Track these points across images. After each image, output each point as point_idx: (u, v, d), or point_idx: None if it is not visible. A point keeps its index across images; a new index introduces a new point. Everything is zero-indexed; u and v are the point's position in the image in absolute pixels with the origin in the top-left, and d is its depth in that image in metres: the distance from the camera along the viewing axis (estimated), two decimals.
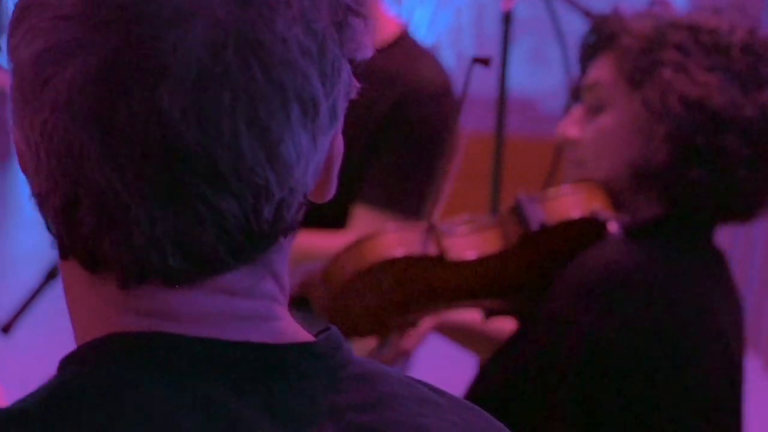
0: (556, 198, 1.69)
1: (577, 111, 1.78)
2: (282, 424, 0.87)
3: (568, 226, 1.68)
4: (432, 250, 1.64)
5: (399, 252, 1.63)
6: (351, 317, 1.70)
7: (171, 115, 0.82)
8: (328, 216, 2.46)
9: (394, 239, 1.64)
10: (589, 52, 1.77)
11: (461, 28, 7.77)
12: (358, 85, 0.94)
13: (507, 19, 2.27)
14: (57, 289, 1.13)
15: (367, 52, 0.93)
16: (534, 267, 1.70)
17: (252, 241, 0.87)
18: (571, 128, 1.77)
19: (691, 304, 1.65)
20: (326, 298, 1.66)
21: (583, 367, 1.60)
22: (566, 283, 1.63)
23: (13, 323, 2.36)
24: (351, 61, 0.91)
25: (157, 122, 0.82)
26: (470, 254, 1.66)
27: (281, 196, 0.88)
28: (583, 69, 1.79)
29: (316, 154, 0.90)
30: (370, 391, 0.91)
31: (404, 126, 2.42)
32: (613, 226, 1.67)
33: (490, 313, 1.77)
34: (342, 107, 0.93)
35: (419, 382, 0.95)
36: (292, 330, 0.92)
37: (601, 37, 1.75)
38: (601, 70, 1.74)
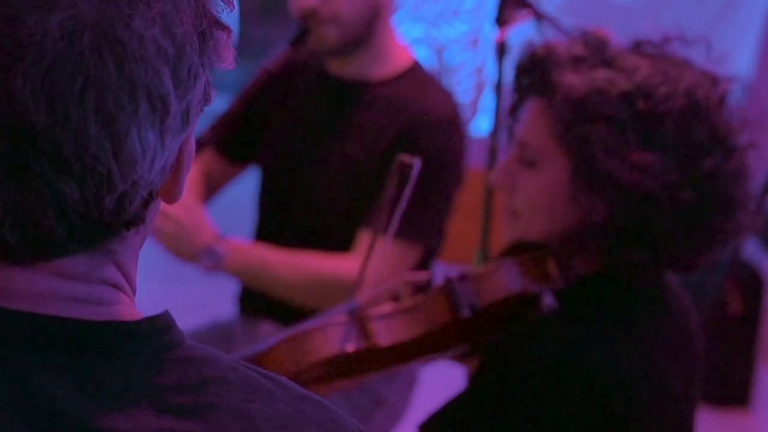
0: (487, 276, 1.66)
1: (511, 159, 1.70)
2: (93, 400, 0.90)
3: (500, 303, 1.65)
4: (360, 343, 1.65)
5: (332, 350, 1.64)
6: None
7: (22, 95, 0.85)
8: (337, 239, 2.53)
9: (326, 337, 1.65)
10: (521, 92, 1.70)
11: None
12: (214, 95, 0.96)
13: (501, 50, 2.31)
14: None
15: (228, 65, 0.95)
16: (462, 334, 1.70)
17: (92, 229, 0.90)
18: (504, 178, 1.70)
19: (637, 377, 1.59)
20: None
21: None
22: (510, 378, 1.57)
23: None
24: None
25: (7, 101, 0.85)
26: (399, 338, 1.65)
27: (124, 188, 0.90)
28: (515, 108, 1.72)
29: (164, 153, 0.92)
30: (193, 374, 0.93)
31: (411, 154, 2.46)
32: (548, 299, 1.64)
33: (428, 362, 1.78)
34: (196, 113, 0.94)
35: (257, 371, 0.97)
36: (128, 314, 0.95)
37: (532, 80, 1.67)
38: (531, 122, 1.66)
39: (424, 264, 2.57)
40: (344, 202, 2.54)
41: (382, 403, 2.61)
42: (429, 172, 2.47)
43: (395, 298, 1.78)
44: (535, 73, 1.66)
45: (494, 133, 2.45)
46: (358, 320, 1.66)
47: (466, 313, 1.63)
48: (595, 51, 1.65)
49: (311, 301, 2.48)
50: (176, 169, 0.95)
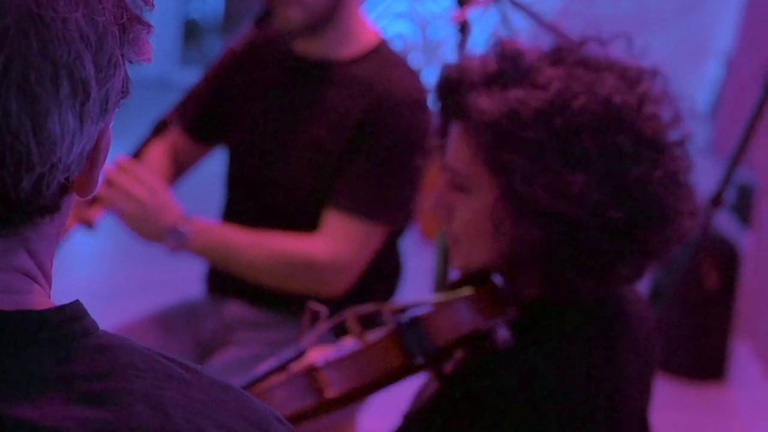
0: (437, 319, 1.62)
1: (443, 185, 1.67)
2: (0, 390, 0.90)
3: (453, 344, 1.63)
4: (314, 398, 1.62)
5: (285, 411, 1.61)
6: None
7: None
8: (304, 220, 2.54)
9: (277, 397, 1.63)
10: (444, 115, 1.66)
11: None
12: (130, 90, 0.98)
13: (462, 30, 2.31)
14: None
15: (147, 60, 0.97)
16: (423, 370, 1.68)
17: (7, 212, 0.91)
18: (437, 209, 1.68)
19: (592, 399, 1.57)
20: None
21: None
22: (472, 417, 1.56)
23: None
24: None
25: None
26: (351, 387, 1.63)
27: (42, 170, 0.91)
28: (441, 130, 1.69)
29: (83, 138, 0.93)
30: (105, 362, 0.93)
31: (376, 133, 2.48)
32: (502, 332, 1.61)
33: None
34: (114, 104, 0.96)
35: (172, 360, 0.97)
36: (39, 303, 0.96)
37: (450, 105, 1.64)
38: (457, 148, 1.62)
39: (390, 245, 2.59)
40: (310, 182, 2.54)
41: None
42: (392, 153, 2.49)
43: (343, 333, 1.75)
44: (451, 96, 1.64)
45: None
46: (308, 374, 1.64)
47: (419, 359, 1.62)
48: (510, 65, 1.60)
49: (277, 281, 2.49)
50: (92, 159, 0.96)
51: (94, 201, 2.47)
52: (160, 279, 4.95)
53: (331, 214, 2.49)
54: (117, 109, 0.97)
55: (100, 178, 0.98)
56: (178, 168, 2.76)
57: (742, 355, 4.51)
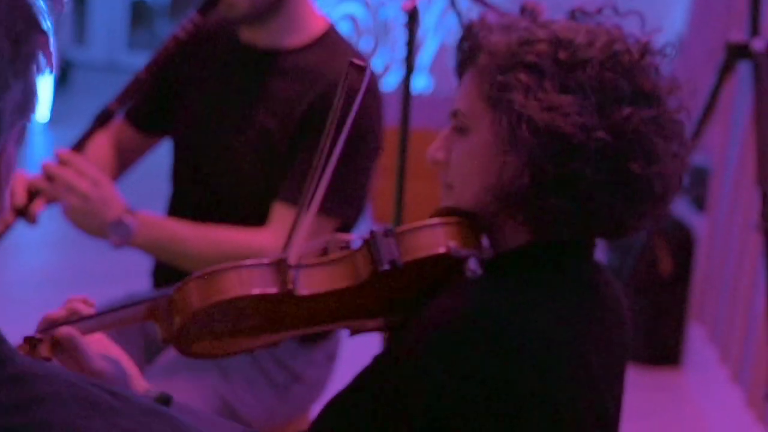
0: (412, 233, 1.62)
1: (446, 131, 1.71)
2: None
3: (422, 263, 1.61)
4: (279, 288, 1.59)
5: (244, 290, 1.58)
6: (199, 344, 1.65)
7: None
8: (252, 213, 2.48)
9: (240, 277, 1.59)
10: (460, 68, 1.70)
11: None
12: (35, 107, 0.93)
13: (411, 17, 2.26)
14: None
15: (52, 70, 0.93)
16: (391, 298, 1.66)
17: None
18: (438, 151, 1.70)
19: (548, 349, 1.57)
20: (172, 326, 1.61)
21: (426, 419, 1.52)
22: (417, 329, 1.56)
23: None
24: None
25: None
26: (319, 289, 1.60)
27: None
28: (458, 83, 1.71)
29: None
30: (22, 392, 0.89)
31: (325, 123, 2.42)
32: (472, 264, 1.59)
33: (354, 332, 1.74)
34: (9, 124, 0.91)
35: (101, 387, 0.93)
36: None
37: (465, 52, 1.68)
38: (464, 90, 1.67)
39: None
40: (258, 173, 2.48)
41: (300, 378, 2.57)
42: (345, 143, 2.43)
43: (323, 254, 1.72)
44: (467, 43, 1.68)
45: (406, 93, 2.38)
46: (278, 265, 1.61)
47: (385, 267, 1.59)
48: (526, 16, 1.67)
49: None
50: None
51: (36, 195, 2.40)
52: (105, 268, 4.88)
53: (280, 207, 2.43)
54: (19, 128, 0.91)
55: (7, 201, 0.93)
56: (123, 160, 2.69)
57: (696, 339, 4.49)
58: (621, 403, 1.72)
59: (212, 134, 2.54)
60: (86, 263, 4.98)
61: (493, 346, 1.53)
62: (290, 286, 1.59)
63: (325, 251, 1.70)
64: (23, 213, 2.40)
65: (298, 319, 1.65)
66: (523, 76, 1.59)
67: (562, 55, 1.59)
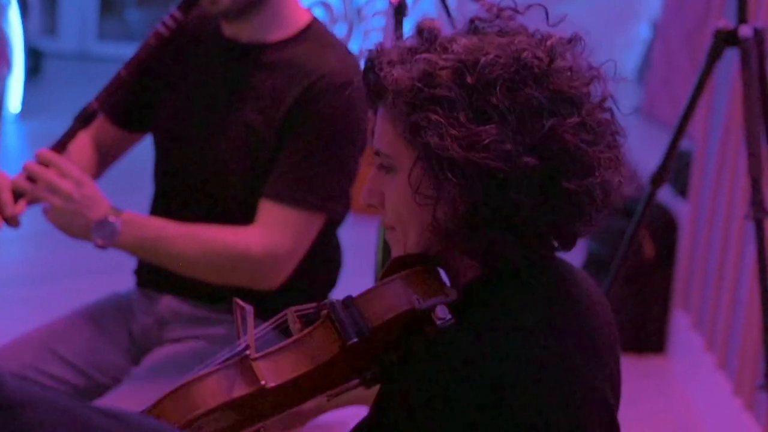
0: (373, 297, 1.58)
1: (373, 175, 1.64)
2: None
3: (389, 324, 1.57)
4: (250, 387, 1.56)
5: (220, 399, 1.55)
6: None
7: None
8: (238, 210, 2.44)
9: (211, 386, 1.56)
10: (371, 102, 1.63)
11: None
12: None
13: (398, 11, 2.22)
14: None
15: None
16: (362, 360, 1.62)
17: None
18: (371, 195, 1.64)
19: (540, 375, 1.52)
20: None
21: None
22: (403, 398, 1.52)
23: None
24: None
25: None
26: (289, 376, 1.57)
27: None
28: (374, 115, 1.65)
29: None
30: (10, 422, 0.87)
31: (310, 118, 2.38)
32: (440, 312, 1.54)
33: (331, 397, 1.69)
34: None
35: (94, 409, 0.91)
36: None
37: (371, 87, 1.60)
38: (381, 129, 1.60)
39: (328, 233, 2.49)
40: (243, 169, 2.44)
41: None
42: (328, 136, 2.40)
43: (284, 330, 1.67)
44: (370, 79, 1.60)
45: None
46: (243, 363, 1.57)
47: (353, 339, 1.55)
48: (425, 40, 1.58)
49: (212, 275, 2.39)
50: None
51: (18, 197, 2.35)
52: (84, 264, 4.83)
53: (266, 204, 2.39)
54: None
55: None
56: (104, 158, 2.64)
57: (681, 326, 4.48)
58: (619, 393, 1.68)
59: (195, 130, 2.49)
60: (65, 259, 4.93)
61: (488, 394, 1.48)
62: (261, 383, 1.56)
63: (284, 323, 1.66)
64: (6, 217, 2.35)
65: (274, 407, 1.61)
66: (433, 115, 1.51)
67: (469, 79, 1.52)
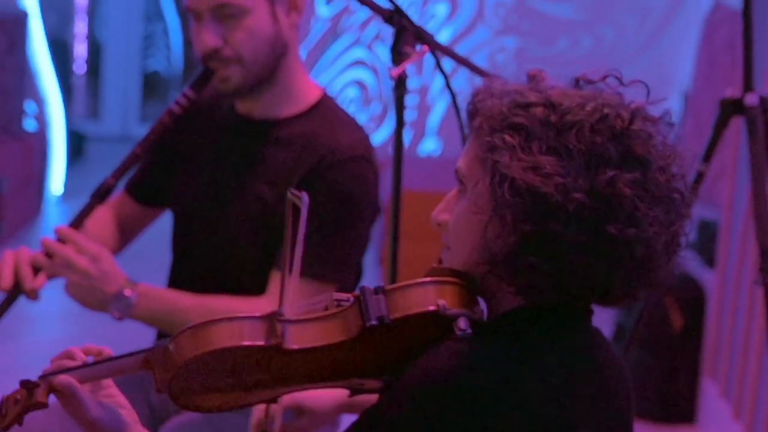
0: (403, 291, 1.63)
1: (451, 194, 1.73)
2: None
3: (412, 320, 1.62)
4: (269, 340, 1.61)
5: (234, 341, 1.60)
6: (193, 396, 1.67)
7: None
8: (250, 282, 2.50)
9: (231, 328, 1.61)
10: (466, 131, 1.73)
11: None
12: None
13: (399, 85, 2.28)
14: None
15: None
16: (380, 356, 1.66)
17: None
18: (442, 213, 1.73)
19: (526, 408, 1.57)
20: (166, 376, 1.64)
21: None
22: (401, 385, 1.58)
23: None
24: None
25: None
26: (307, 344, 1.62)
27: None
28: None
29: None
30: None
31: (320, 191, 2.44)
32: (462, 323, 1.60)
33: (353, 393, 1.75)
34: None
35: None
36: None
37: (468, 115, 1.71)
38: (465, 151, 1.71)
39: None
40: (255, 242, 2.50)
41: None
42: (339, 209, 2.46)
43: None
44: (470, 107, 1.71)
45: (397, 155, 2.40)
46: (269, 319, 1.63)
47: (373, 322, 1.60)
48: (529, 84, 1.69)
49: None
50: None
51: (37, 272, 2.42)
52: (121, 339, 4.88)
53: (277, 275, 2.44)
54: None
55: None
56: (125, 233, 2.72)
57: (710, 395, 4.47)
58: None
59: (209, 204, 2.56)
60: (101, 335, 4.99)
61: (472, 406, 1.54)
62: (279, 340, 1.61)
63: (325, 310, 1.70)
64: (26, 291, 2.42)
65: (289, 376, 1.66)
66: (509, 137, 1.61)
67: (552, 117, 1.61)
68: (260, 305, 2.42)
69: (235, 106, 2.58)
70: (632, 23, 7.91)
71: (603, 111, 1.61)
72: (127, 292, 2.40)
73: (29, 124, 7.44)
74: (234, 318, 1.62)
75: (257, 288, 2.48)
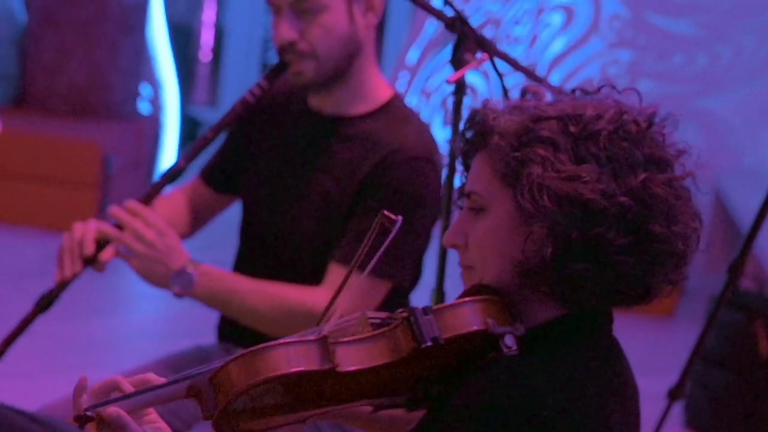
0: (451, 311, 1.67)
1: (461, 216, 1.75)
2: None
3: (462, 340, 1.66)
4: (322, 364, 1.63)
5: (289, 368, 1.62)
6: (240, 421, 1.69)
7: None
8: (312, 272, 2.56)
9: (285, 354, 1.63)
10: (466, 152, 1.75)
11: None
12: None
13: (458, 90, 2.32)
14: None
15: None
16: (423, 374, 1.69)
17: None
18: (456, 236, 1.74)
19: (582, 426, 1.62)
20: (215, 405, 1.66)
21: None
22: (457, 407, 1.62)
23: None
24: None
25: None
26: (360, 366, 1.65)
27: None
28: (465, 168, 1.77)
29: None
30: None
31: (382, 188, 2.50)
32: (508, 340, 1.64)
33: (378, 408, 1.78)
34: None
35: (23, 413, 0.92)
36: None
37: (474, 136, 1.73)
38: (476, 172, 1.72)
39: (392, 300, 2.57)
40: (317, 234, 2.57)
41: None
42: (399, 207, 2.50)
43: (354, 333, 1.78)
44: (475, 129, 1.73)
45: (451, 161, 2.44)
46: (320, 342, 1.65)
47: (428, 343, 1.63)
48: (530, 98, 1.75)
49: (277, 330, 2.48)
50: None
51: (105, 243, 2.52)
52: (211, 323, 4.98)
53: (334, 267, 2.51)
54: None
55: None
56: (196, 218, 2.80)
57: None
58: None
59: (274, 195, 2.63)
60: (194, 318, 5.11)
61: (532, 425, 1.58)
62: (333, 363, 1.63)
63: (359, 328, 1.74)
64: (91, 262, 2.52)
65: (336, 396, 1.69)
66: (539, 150, 1.64)
67: (572, 128, 1.65)
68: (316, 295, 2.49)
69: (308, 100, 2.64)
70: (751, 44, 7.81)
71: (621, 118, 1.67)
72: (190, 269, 2.49)
73: (143, 107, 7.56)
74: (285, 344, 1.64)
75: (317, 278, 2.54)
